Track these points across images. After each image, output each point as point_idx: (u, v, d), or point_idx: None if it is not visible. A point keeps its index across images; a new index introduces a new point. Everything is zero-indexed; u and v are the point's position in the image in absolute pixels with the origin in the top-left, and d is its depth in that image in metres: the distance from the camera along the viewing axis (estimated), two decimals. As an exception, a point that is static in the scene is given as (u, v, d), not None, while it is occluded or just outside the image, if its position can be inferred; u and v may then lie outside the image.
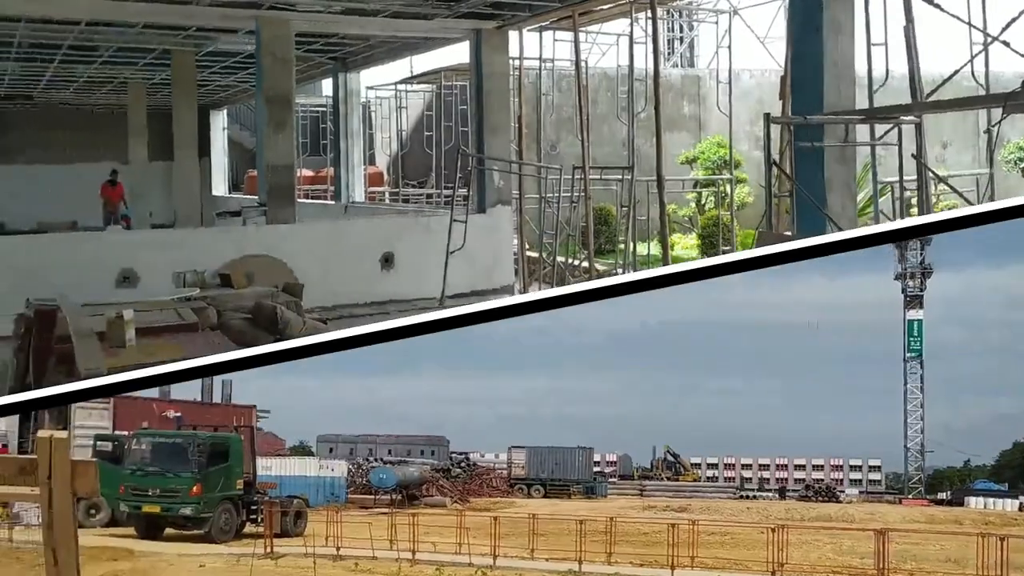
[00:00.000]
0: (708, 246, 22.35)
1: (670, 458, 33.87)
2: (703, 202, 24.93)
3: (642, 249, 19.21)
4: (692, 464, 35.75)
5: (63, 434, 2.93)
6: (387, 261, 16.09)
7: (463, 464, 27.21)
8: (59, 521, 2.84)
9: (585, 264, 17.44)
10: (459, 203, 16.28)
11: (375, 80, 29.25)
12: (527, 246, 18.74)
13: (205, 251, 13.84)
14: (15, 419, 21.38)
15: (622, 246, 18.45)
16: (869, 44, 12.11)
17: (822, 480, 23.10)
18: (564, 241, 17.05)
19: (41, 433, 2.94)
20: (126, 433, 14.32)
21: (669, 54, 30.10)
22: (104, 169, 29.24)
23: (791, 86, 10.41)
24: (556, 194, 16.34)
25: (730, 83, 22.45)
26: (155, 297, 10.75)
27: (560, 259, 17.04)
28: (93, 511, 12.52)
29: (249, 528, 12.78)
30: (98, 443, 13.85)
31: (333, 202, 24.79)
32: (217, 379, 25.38)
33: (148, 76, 26.56)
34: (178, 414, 16.17)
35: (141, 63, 24.14)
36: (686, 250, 23.35)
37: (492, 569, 10.82)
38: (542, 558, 11.67)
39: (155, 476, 12.21)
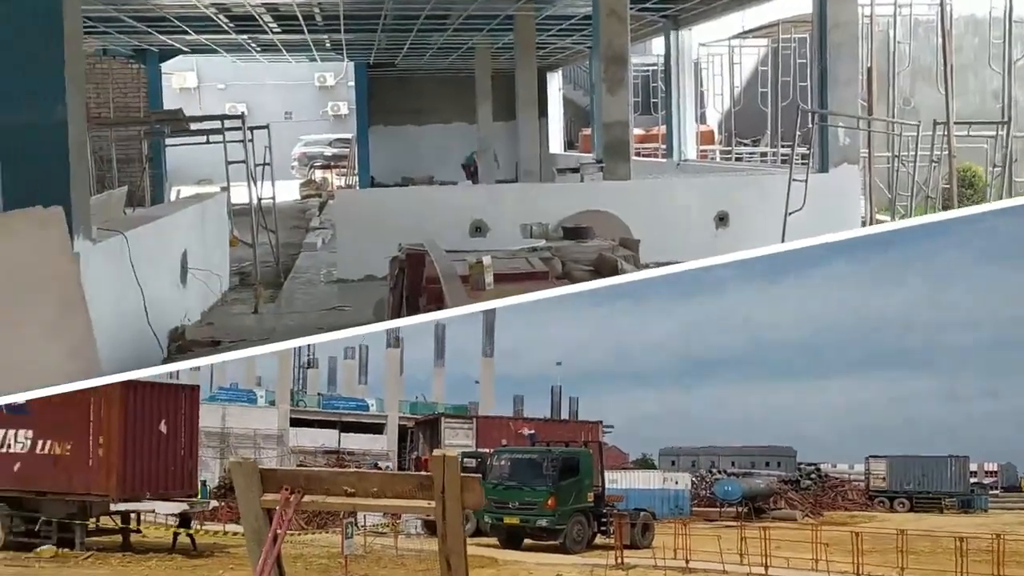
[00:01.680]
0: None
1: (1070, 466, 29.08)
2: (1101, 161, 21.77)
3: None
4: (1101, 474, 30.42)
5: (454, 453, 3.21)
6: (721, 220, 15.85)
7: (813, 475, 25.72)
8: (451, 531, 3.11)
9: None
10: (798, 162, 15.59)
11: (707, 37, 28.71)
12: (876, 209, 17.56)
13: (546, 205, 14.49)
14: (395, 440, 23.65)
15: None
16: None
17: None
18: (921, 204, 15.76)
19: (436, 452, 3.21)
20: (488, 450, 15.55)
21: (1056, -10, 26.47)
22: (454, 130, 31.59)
23: None
24: (912, 152, 15.10)
25: None
26: (503, 247, 11.47)
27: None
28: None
29: (599, 540, 13.07)
30: (464, 460, 15.14)
31: (665, 160, 24.85)
32: (564, 396, 26.13)
33: (492, 41, 28.17)
34: (532, 431, 17.23)
35: (486, 29, 25.63)
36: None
37: (854, 587, 10.05)
38: (913, 578, 10.65)
39: (514, 490, 12.91)
